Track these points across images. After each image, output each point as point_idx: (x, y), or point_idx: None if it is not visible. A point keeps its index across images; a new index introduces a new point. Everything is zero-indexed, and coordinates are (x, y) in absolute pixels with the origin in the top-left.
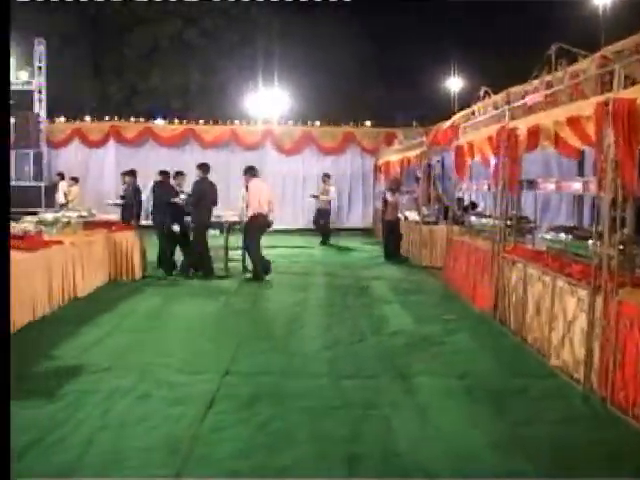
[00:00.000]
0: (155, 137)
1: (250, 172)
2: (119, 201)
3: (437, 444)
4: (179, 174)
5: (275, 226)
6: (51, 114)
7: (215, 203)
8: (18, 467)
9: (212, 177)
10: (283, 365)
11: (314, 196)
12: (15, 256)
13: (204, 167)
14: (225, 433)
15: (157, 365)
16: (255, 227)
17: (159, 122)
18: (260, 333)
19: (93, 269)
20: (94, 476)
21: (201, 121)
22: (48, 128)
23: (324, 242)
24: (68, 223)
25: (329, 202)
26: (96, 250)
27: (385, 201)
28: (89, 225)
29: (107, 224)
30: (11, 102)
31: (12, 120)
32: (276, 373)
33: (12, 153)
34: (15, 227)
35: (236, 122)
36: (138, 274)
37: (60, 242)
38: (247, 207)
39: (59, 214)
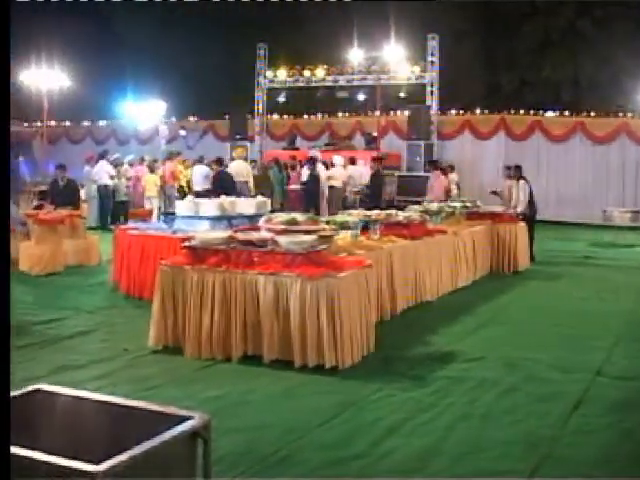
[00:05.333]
0: (543, 130)
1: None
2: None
3: None
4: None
5: None
6: (442, 107)
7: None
8: (385, 445)
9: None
10: None
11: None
12: (399, 243)
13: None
14: (588, 437)
15: (528, 359)
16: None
17: (549, 114)
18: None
19: (475, 259)
20: (449, 463)
21: (592, 113)
22: (439, 120)
23: None
24: (452, 213)
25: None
26: (478, 240)
27: None
28: (473, 215)
29: (491, 215)
30: (404, 95)
31: (406, 113)
32: None
33: (404, 144)
34: (399, 215)
35: (629, 115)
36: (521, 266)
37: (443, 231)
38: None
39: (443, 204)
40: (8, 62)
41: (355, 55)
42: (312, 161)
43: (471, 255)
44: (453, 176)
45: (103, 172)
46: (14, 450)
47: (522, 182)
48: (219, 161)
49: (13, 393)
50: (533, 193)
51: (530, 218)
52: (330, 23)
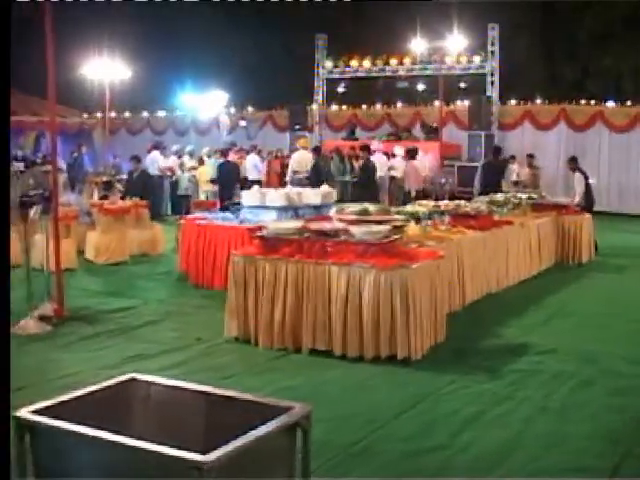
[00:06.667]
0: (605, 121)
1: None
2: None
3: None
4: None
5: None
6: (502, 97)
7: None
8: (463, 437)
9: None
10: None
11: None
12: (467, 234)
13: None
14: None
15: (602, 352)
16: None
17: (610, 104)
18: None
19: (540, 251)
20: (529, 457)
21: None
22: (499, 110)
23: None
24: (518, 204)
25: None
26: (544, 232)
27: None
28: (538, 207)
29: (557, 206)
30: (465, 85)
31: (466, 103)
32: None
33: (463, 134)
34: (468, 206)
35: None
36: (585, 258)
37: (510, 222)
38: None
39: (509, 195)
40: (8, 62)
41: (417, 45)
42: (317, 151)
43: (536, 247)
44: (514, 167)
45: (152, 162)
46: (116, 438)
47: (577, 174)
48: (222, 152)
49: (107, 382)
50: (590, 184)
51: (587, 209)
52: (390, 13)
